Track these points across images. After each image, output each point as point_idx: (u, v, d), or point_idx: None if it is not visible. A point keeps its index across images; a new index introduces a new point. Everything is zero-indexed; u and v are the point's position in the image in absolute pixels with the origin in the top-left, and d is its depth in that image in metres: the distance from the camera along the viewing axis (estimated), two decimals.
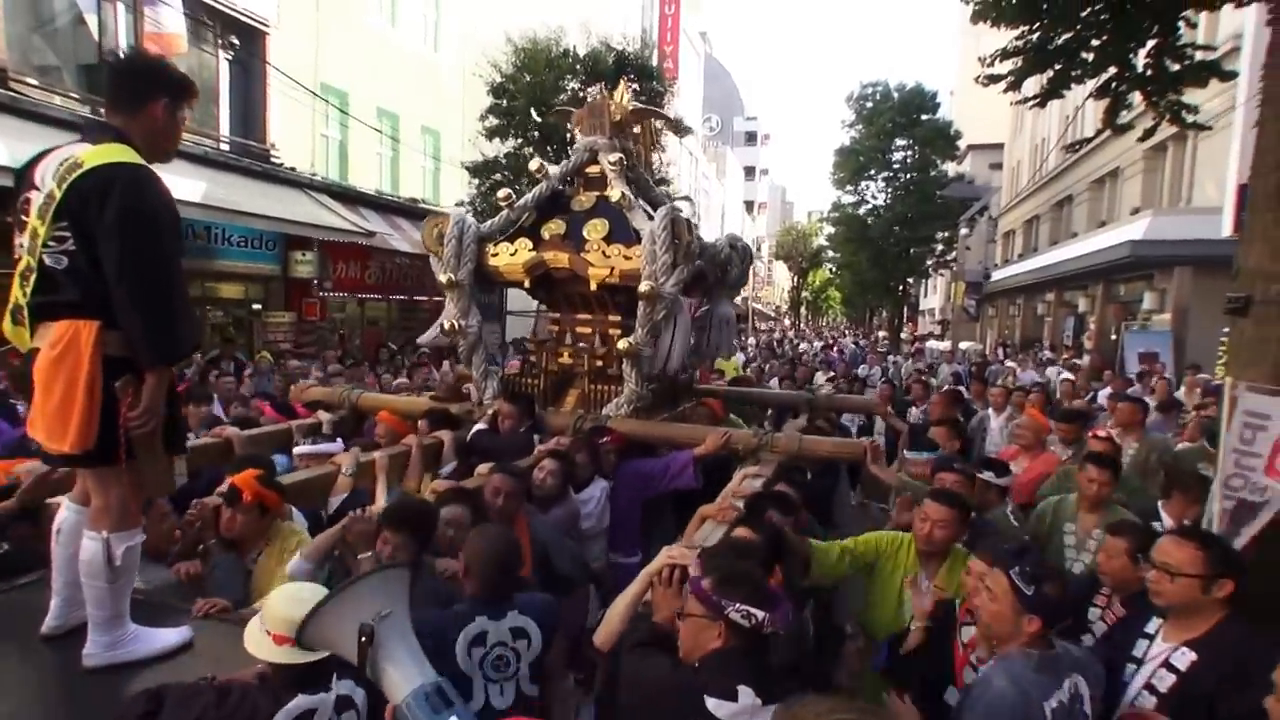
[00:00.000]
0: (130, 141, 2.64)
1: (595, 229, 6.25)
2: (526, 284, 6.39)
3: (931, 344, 30.18)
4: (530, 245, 6.29)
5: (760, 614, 2.25)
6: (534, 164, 6.95)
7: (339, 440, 5.56)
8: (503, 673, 2.90)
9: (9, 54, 9.94)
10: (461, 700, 1.70)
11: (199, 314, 13.92)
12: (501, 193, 6.91)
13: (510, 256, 6.29)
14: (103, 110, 2.83)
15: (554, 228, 6.42)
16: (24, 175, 2.67)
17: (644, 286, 5.72)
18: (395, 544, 3.24)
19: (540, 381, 6.61)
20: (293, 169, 14.56)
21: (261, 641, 2.24)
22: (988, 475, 4.71)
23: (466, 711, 1.66)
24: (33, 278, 2.58)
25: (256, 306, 14.99)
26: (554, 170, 6.68)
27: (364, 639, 1.76)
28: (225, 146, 13.43)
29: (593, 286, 6.13)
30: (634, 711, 2.47)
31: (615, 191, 6.32)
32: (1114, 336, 19.25)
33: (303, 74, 14.47)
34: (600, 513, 4.91)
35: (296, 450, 5.26)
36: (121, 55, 2.89)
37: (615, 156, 6.46)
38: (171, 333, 2.62)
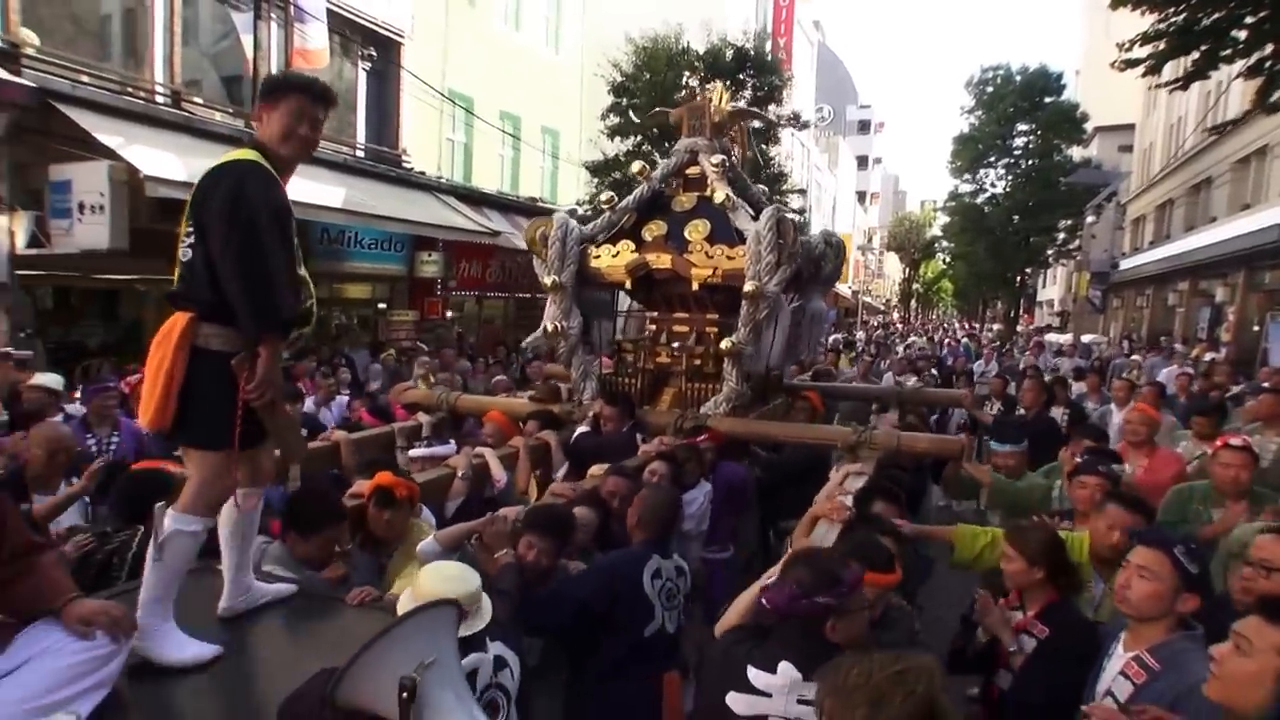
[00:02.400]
0: (264, 147, 2.80)
1: (697, 230, 6.35)
2: (628, 284, 6.52)
3: (1051, 337, 29.29)
4: (632, 246, 6.42)
5: (765, 601, 2.42)
6: (635, 166, 7.09)
7: (451, 442, 5.62)
8: (673, 602, 3.46)
9: (181, 77, 10.72)
10: None
11: (325, 313, 14.72)
12: (604, 195, 7.06)
13: (612, 258, 6.42)
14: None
15: (655, 229, 6.53)
16: None
17: (748, 286, 5.81)
18: (539, 549, 3.34)
19: (637, 381, 6.70)
20: (422, 173, 15.20)
21: None
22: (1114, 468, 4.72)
23: None
24: (178, 271, 2.76)
25: (382, 306, 15.70)
26: (655, 172, 6.80)
27: (404, 694, 1.57)
28: (361, 153, 14.14)
29: (694, 286, 6.23)
30: (700, 679, 2.74)
31: (719, 193, 6.40)
32: (1256, 328, 18.38)
33: (432, 81, 15.12)
34: (702, 515, 4.96)
35: (411, 453, 5.34)
36: (269, 76, 3.11)
37: (717, 159, 6.55)
38: (270, 302, 2.68)
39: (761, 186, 7.64)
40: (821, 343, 8.34)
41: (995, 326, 42.32)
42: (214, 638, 2.78)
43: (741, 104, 18.64)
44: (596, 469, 4.79)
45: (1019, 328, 39.29)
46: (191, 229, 2.69)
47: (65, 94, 9.14)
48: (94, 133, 8.87)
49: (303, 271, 2.92)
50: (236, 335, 2.70)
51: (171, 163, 9.25)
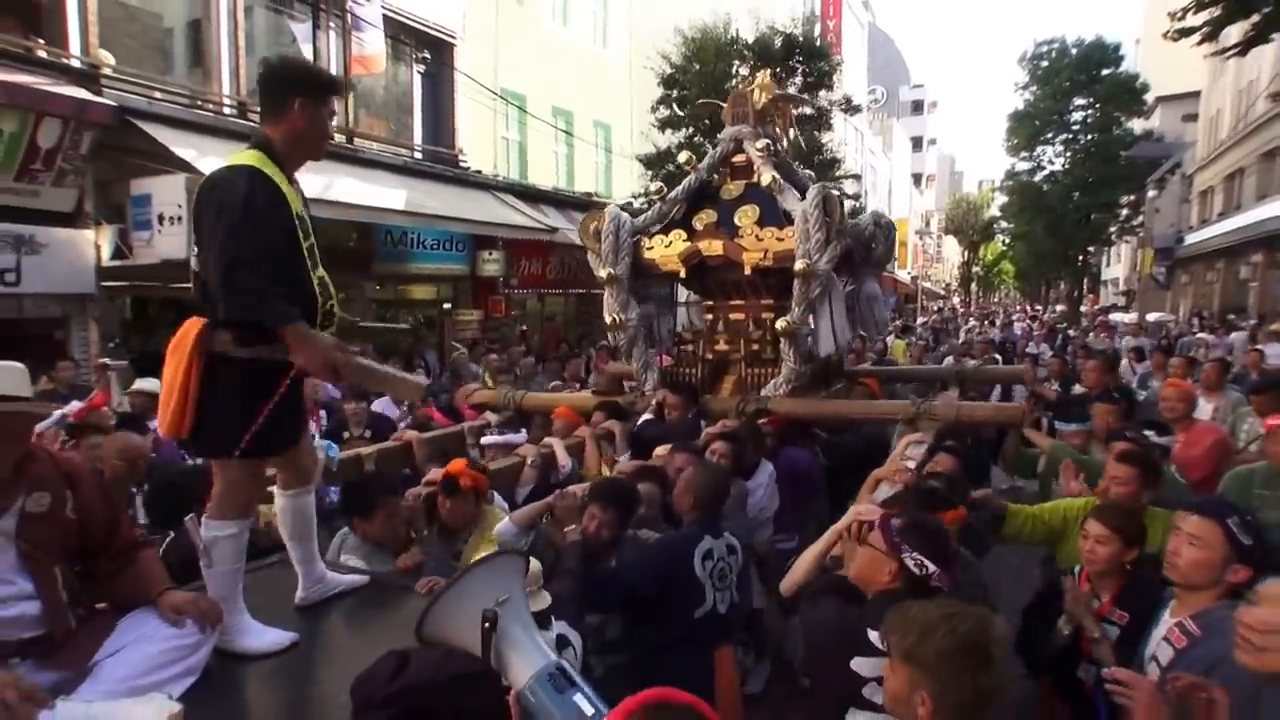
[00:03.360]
0: (269, 147, 2.75)
1: (746, 215, 6.44)
2: (682, 273, 6.63)
3: (1116, 316, 28.73)
4: (684, 236, 6.54)
5: (932, 567, 2.45)
6: (682, 156, 7.29)
7: (522, 431, 5.88)
8: (724, 582, 3.54)
9: (246, 88, 11.25)
10: (582, 679, 1.71)
11: (393, 315, 15.18)
12: (653, 186, 7.23)
13: (665, 248, 6.55)
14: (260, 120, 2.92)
15: (705, 218, 6.65)
16: None
17: (799, 265, 5.90)
18: (602, 520, 3.47)
19: (697, 370, 6.82)
20: (479, 172, 15.55)
21: None
22: (1149, 434, 4.88)
23: (588, 689, 1.67)
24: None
25: (447, 306, 16.09)
26: (702, 163, 6.92)
27: (487, 624, 1.76)
28: (419, 155, 14.52)
29: (747, 270, 6.31)
30: (811, 650, 2.76)
31: (765, 177, 6.47)
32: None
33: (485, 80, 15.48)
34: (768, 497, 5.00)
35: (484, 440, 5.58)
36: (265, 68, 2.94)
37: (761, 144, 6.64)
38: (251, 290, 2.59)
39: (809, 171, 7.83)
40: (883, 323, 8.34)
41: (1059, 307, 41.57)
42: (290, 626, 2.98)
43: (791, 90, 18.79)
44: (662, 450, 4.86)
45: (1083, 308, 38.59)
46: (196, 240, 2.72)
47: (142, 110, 9.64)
48: (171, 147, 9.32)
49: (321, 273, 2.89)
50: (232, 340, 2.68)
51: None
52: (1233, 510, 2.68)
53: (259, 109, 2.90)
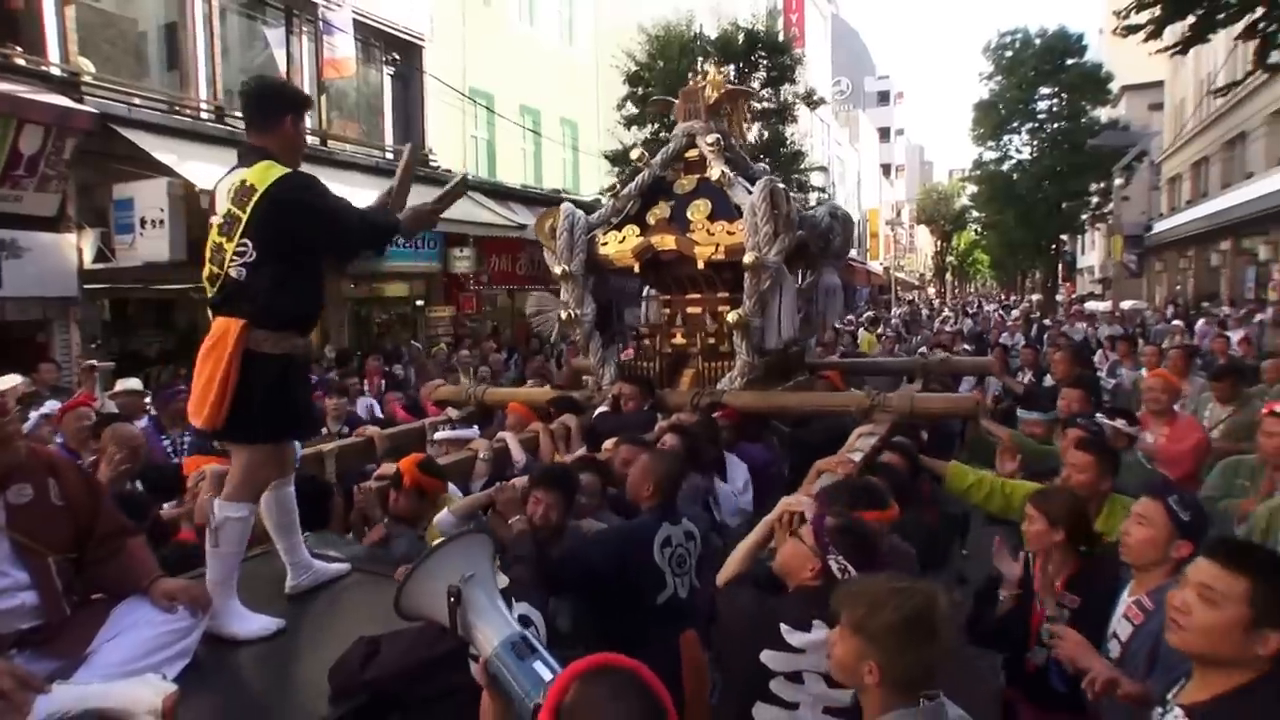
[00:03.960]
0: (273, 155, 3.14)
1: (699, 209, 6.56)
2: (636, 269, 6.70)
3: (1091, 304, 29.39)
4: (637, 231, 6.65)
5: (855, 573, 2.49)
6: (635, 153, 7.39)
7: (475, 427, 6.00)
8: (683, 568, 3.56)
9: (222, 93, 11.78)
10: (542, 647, 1.86)
11: (367, 312, 15.74)
12: (606, 183, 7.58)
13: (619, 244, 6.64)
14: (247, 133, 3.33)
15: (659, 212, 6.77)
16: (210, 200, 3.27)
17: (748, 258, 5.98)
18: (547, 503, 3.55)
19: (655, 364, 6.88)
20: (448, 170, 16.07)
21: None
22: (1119, 423, 4.85)
23: (548, 655, 1.81)
24: (218, 283, 3.10)
25: (420, 303, 16.67)
26: (655, 158, 7.00)
27: (452, 599, 1.92)
28: (390, 156, 15.08)
29: (700, 265, 6.41)
30: (724, 639, 2.87)
31: (715, 171, 6.57)
32: None
33: (453, 81, 16.13)
34: (746, 491, 5.02)
35: (436, 436, 5.68)
36: (251, 82, 3.49)
37: (712, 138, 6.75)
38: (379, 223, 3.37)
39: (761, 165, 8.04)
40: (840, 315, 8.68)
41: (1035, 296, 42.35)
42: (274, 613, 3.26)
43: (755, 85, 19.51)
44: (610, 443, 4.92)
45: (1059, 297, 39.41)
46: (247, 248, 3.03)
47: (123, 117, 10.16)
48: (152, 152, 9.87)
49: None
50: (285, 336, 3.13)
51: (222, 175, 10.20)
52: (1173, 489, 2.95)
53: (249, 123, 3.29)
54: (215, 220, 3.16)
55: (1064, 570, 3.09)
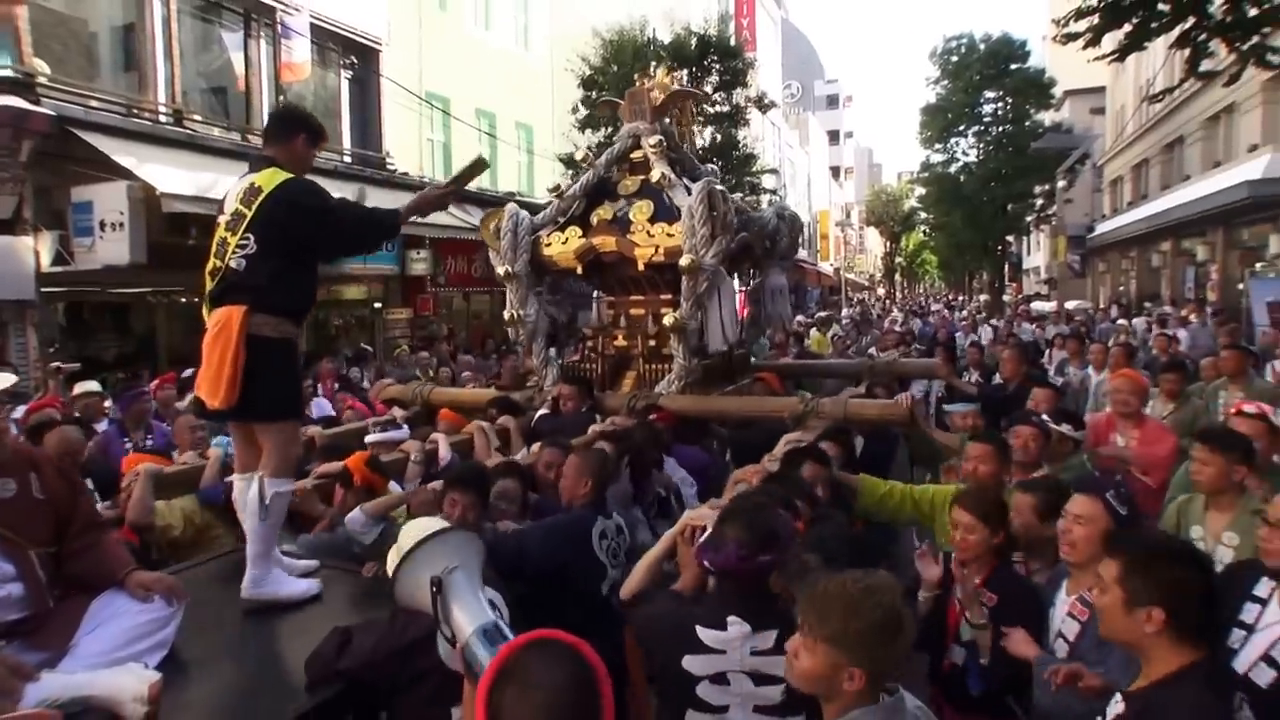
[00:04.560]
0: (281, 165, 3.52)
1: (640, 211, 6.61)
2: (579, 270, 6.77)
3: (1037, 304, 30.17)
4: (580, 233, 6.69)
5: (709, 564, 2.56)
6: (579, 154, 7.54)
7: (404, 427, 5.94)
8: (618, 560, 3.66)
9: (182, 98, 11.83)
10: (511, 633, 1.99)
11: (326, 314, 15.82)
12: (551, 184, 7.52)
13: (562, 245, 6.69)
14: (261, 143, 3.86)
15: (603, 213, 6.84)
16: (220, 205, 3.62)
17: (685, 261, 6.01)
18: (464, 504, 3.57)
19: (598, 366, 6.95)
20: (405, 174, 16.27)
21: None
22: (1065, 428, 4.86)
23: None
24: (219, 275, 3.43)
25: (378, 305, 16.78)
26: (600, 159, 7.08)
27: (434, 589, 2.11)
28: (348, 159, 15.23)
29: (640, 267, 6.45)
30: (647, 651, 2.85)
31: (656, 172, 6.66)
32: (1240, 285, 18.51)
33: (410, 84, 16.31)
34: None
35: (368, 438, 5.61)
36: (279, 105, 4.24)
37: (655, 139, 6.81)
38: (380, 220, 3.78)
39: (710, 166, 8.05)
40: (786, 317, 8.70)
41: (983, 297, 43.25)
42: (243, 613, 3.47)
43: (707, 89, 19.91)
44: (536, 446, 4.97)
45: (1006, 297, 40.34)
46: (248, 241, 3.39)
47: (80, 119, 10.20)
48: (111, 154, 9.92)
49: None
50: (282, 322, 3.48)
51: (181, 179, 10.35)
52: (1107, 484, 3.08)
53: (267, 135, 3.79)
54: (222, 219, 3.52)
55: (982, 569, 3.12)
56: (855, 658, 1.94)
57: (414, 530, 2.83)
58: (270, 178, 3.46)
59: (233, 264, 3.41)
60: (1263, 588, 2.77)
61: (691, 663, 2.49)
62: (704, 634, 2.47)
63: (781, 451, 4.42)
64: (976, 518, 3.13)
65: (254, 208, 3.42)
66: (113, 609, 2.81)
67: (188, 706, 2.75)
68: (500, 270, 6.74)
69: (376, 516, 4.00)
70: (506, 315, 6.86)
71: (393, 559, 2.76)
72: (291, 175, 3.51)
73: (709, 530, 2.63)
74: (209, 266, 3.52)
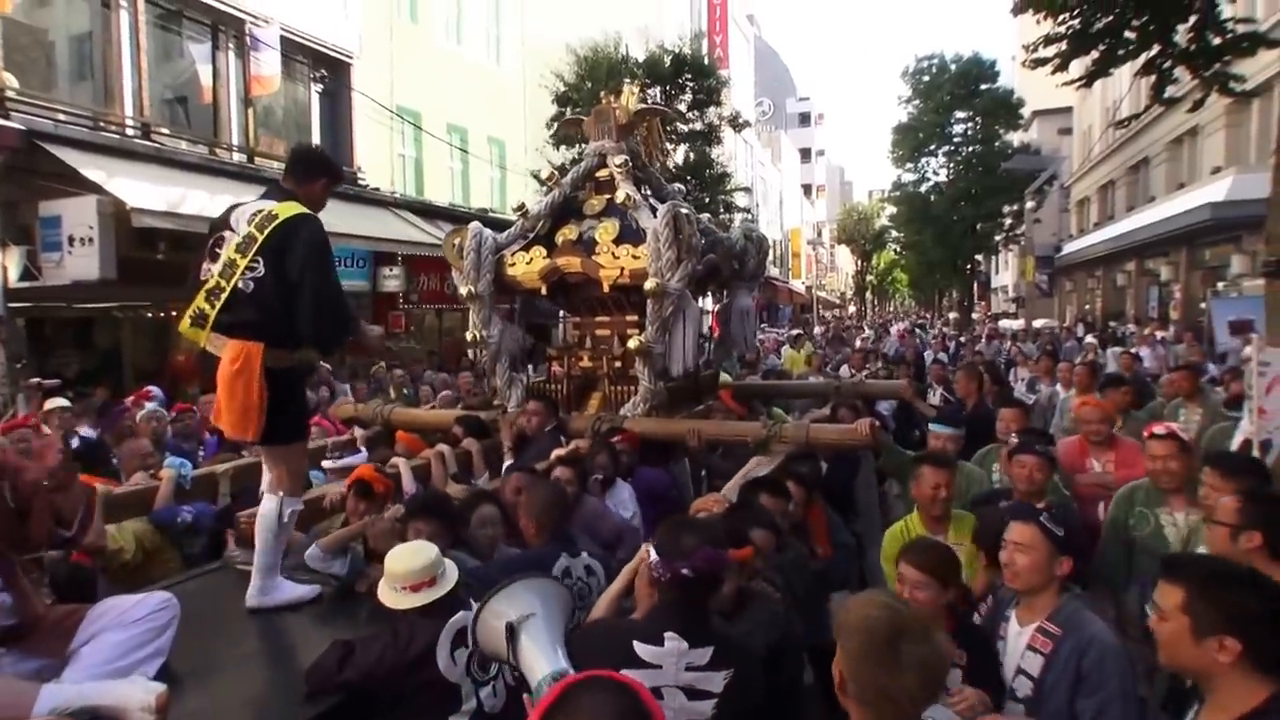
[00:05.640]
0: (299, 200, 3.78)
1: (606, 231, 6.59)
2: (543, 290, 6.77)
3: (1005, 323, 30.67)
4: (544, 253, 6.67)
5: (656, 560, 2.58)
6: (544, 172, 7.50)
7: (363, 451, 5.93)
8: (584, 602, 3.42)
9: (150, 111, 11.85)
10: None
11: None
12: (515, 203, 7.48)
13: (526, 265, 6.68)
14: (284, 178, 3.99)
15: (568, 233, 6.81)
16: (220, 221, 3.76)
17: (650, 284, 6.00)
18: (427, 533, 3.51)
19: (564, 386, 6.93)
20: (376, 189, 16.29)
21: (400, 597, 2.91)
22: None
23: None
24: (223, 296, 3.60)
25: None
26: (565, 178, 7.05)
27: (508, 635, 2.18)
28: None
29: (605, 288, 6.45)
30: (578, 665, 3.11)
31: (621, 193, 6.63)
32: (1202, 304, 19.30)
33: (381, 98, 16.35)
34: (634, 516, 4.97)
35: (325, 464, 5.61)
36: (303, 146, 4.28)
37: (621, 159, 6.79)
38: (339, 316, 3.84)
39: (677, 186, 8.06)
40: (751, 338, 8.68)
41: (952, 315, 43.81)
42: (235, 626, 3.63)
43: (682, 108, 20.13)
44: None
45: (974, 315, 40.90)
46: (258, 265, 3.58)
47: (49, 133, 10.16)
48: (79, 169, 9.88)
49: None
50: (287, 355, 3.71)
51: (151, 193, 10.33)
52: (1039, 509, 3.01)
53: (290, 171, 3.95)
54: (232, 239, 3.67)
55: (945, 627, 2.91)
56: (841, 659, 1.97)
57: (400, 556, 3.00)
58: (289, 209, 3.69)
59: (240, 285, 3.60)
60: None
61: (631, 675, 2.53)
62: (641, 649, 2.51)
63: (737, 483, 4.50)
64: (925, 574, 2.96)
65: (267, 233, 3.62)
66: (109, 617, 2.86)
67: (189, 717, 2.82)
68: (463, 290, 6.73)
69: (333, 550, 4.03)
70: (469, 336, 6.87)
71: (384, 589, 2.97)
72: (307, 211, 3.76)
73: (656, 549, 2.64)
74: (209, 284, 3.65)
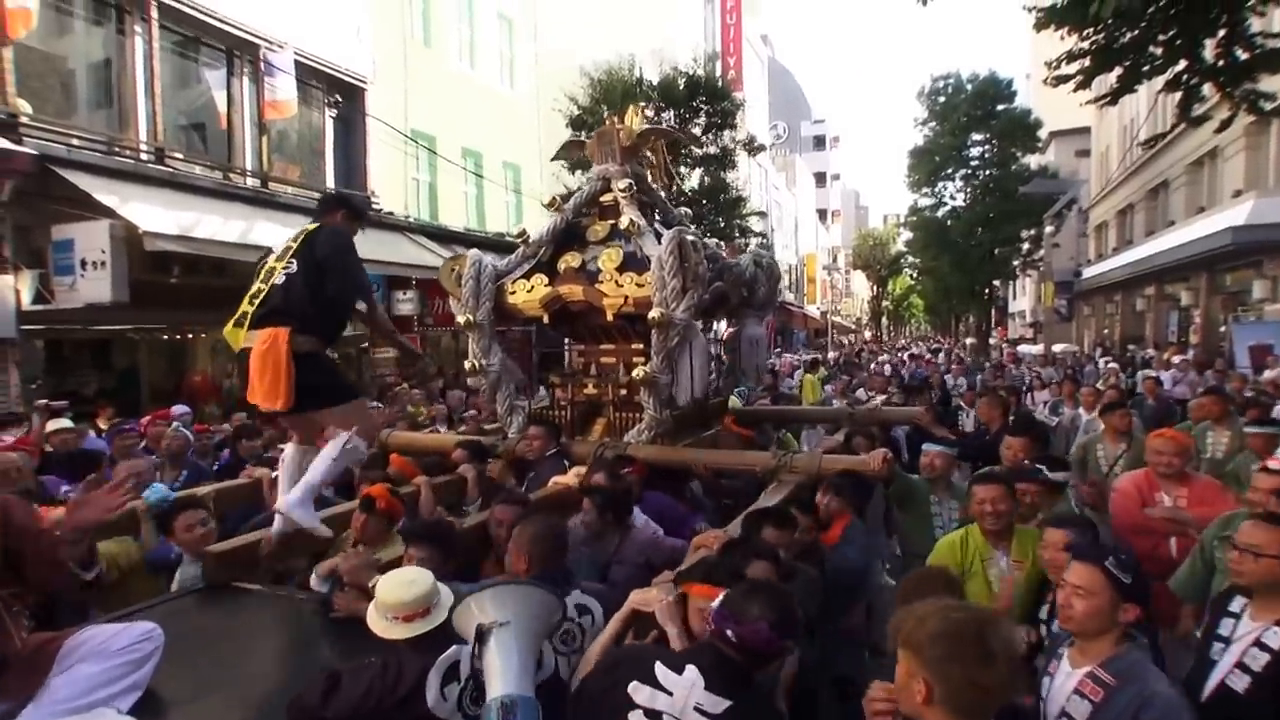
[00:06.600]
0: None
1: (609, 258, 6.42)
2: (545, 319, 6.61)
3: (1024, 348, 30.53)
4: (546, 280, 6.51)
5: (715, 609, 2.58)
6: (546, 198, 7.34)
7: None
8: (570, 645, 3.19)
9: (165, 136, 11.91)
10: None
11: None
12: (516, 229, 7.43)
13: (527, 293, 6.51)
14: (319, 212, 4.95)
15: (570, 260, 6.65)
16: (269, 250, 4.70)
17: (654, 314, 5.84)
18: (420, 559, 3.48)
19: (567, 413, 6.83)
20: (390, 213, 16.32)
21: (390, 626, 2.80)
22: (1059, 475, 4.96)
23: None
24: (262, 296, 4.37)
25: (364, 345, 16.73)
26: (568, 203, 6.92)
27: (477, 639, 2.18)
28: None
29: (609, 317, 6.32)
30: (604, 667, 2.77)
31: (624, 219, 6.47)
32: (1222, 329, 19.37)
33: (395, 122, 16.45)
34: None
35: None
36: (336, 190, 5.14)
37: (625, 183, 6.62)
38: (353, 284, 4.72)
39: (686, 210, 8.02)
40: (762, 367, 8.60)
41: (969, 340, 43.64)
42: (209, 651, 3.50)
43: (696, 131, 20.12)
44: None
45: (991, 340, 40.71)
46: (292, 264, 4.43)
47: (62, 158, 10.23)
48: (92, 193, 9.94)
49: None
50: (315, 340, 4.39)
51: (163, 217, 10.40)
52: (1108, 551, 2.88)
53: (323, 205, 5.01)
54: (272, 258, 4.56)
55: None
56: (918, 664, 1.99)
57: (393, 584, 2.90)
58: (319, 227, 4.64)
59: (276, 280, 4.39)
60: (1236, 604, 3.12)
61: (638, 690, 2.50)
62: (660, 670, 2.51)
63: (738, 521, 4.39)
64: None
65: (299, 240, 4.52)
66: (86, 648, 2.75)
67: None
68: (461, 319, 6.60)
69: (325, 575, 3.96)
70: (468, 365, 6.74)
71: (374, 616, 2.87)
72: (339, 227, 4.71)
73: (723, 600, 2.60)
74: (251, 290, 4.44)
